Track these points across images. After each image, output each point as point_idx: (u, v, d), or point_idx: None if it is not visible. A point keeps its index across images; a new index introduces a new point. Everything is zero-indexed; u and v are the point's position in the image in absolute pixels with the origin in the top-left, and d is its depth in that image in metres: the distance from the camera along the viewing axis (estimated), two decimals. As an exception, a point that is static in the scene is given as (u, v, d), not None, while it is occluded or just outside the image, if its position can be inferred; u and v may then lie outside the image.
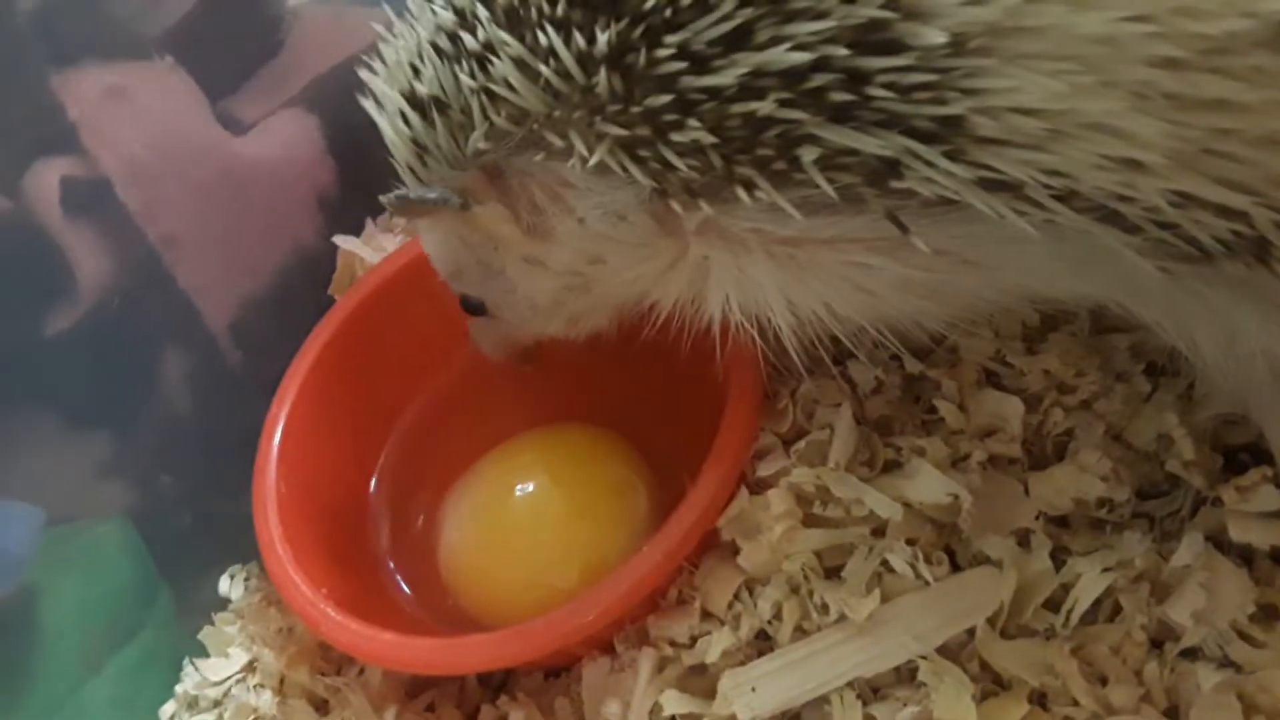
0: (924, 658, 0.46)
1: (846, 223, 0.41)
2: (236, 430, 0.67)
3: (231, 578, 0.65)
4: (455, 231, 0.50)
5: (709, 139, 0.39)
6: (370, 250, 0.75)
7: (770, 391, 0.55)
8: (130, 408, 0.69)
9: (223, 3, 0.78)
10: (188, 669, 0.59)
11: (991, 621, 0.47)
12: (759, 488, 0.51)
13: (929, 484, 0.49)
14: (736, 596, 0.50)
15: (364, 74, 0.49)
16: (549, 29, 0.40)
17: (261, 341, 0.74)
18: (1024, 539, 0.49)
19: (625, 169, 0.42)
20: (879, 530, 0.50)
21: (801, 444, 0.51)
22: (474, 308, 0.55)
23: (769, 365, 0.54)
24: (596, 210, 0.45)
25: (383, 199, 0.47)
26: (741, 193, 0.40)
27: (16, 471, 0.64)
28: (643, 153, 0.41)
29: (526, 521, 0.60)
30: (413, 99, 0.45)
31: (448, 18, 0.44)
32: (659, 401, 0.63)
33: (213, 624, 0.62)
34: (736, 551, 0.51)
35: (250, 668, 0.58)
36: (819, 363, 0.54)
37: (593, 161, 0.41)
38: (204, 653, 0.61)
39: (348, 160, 0.81)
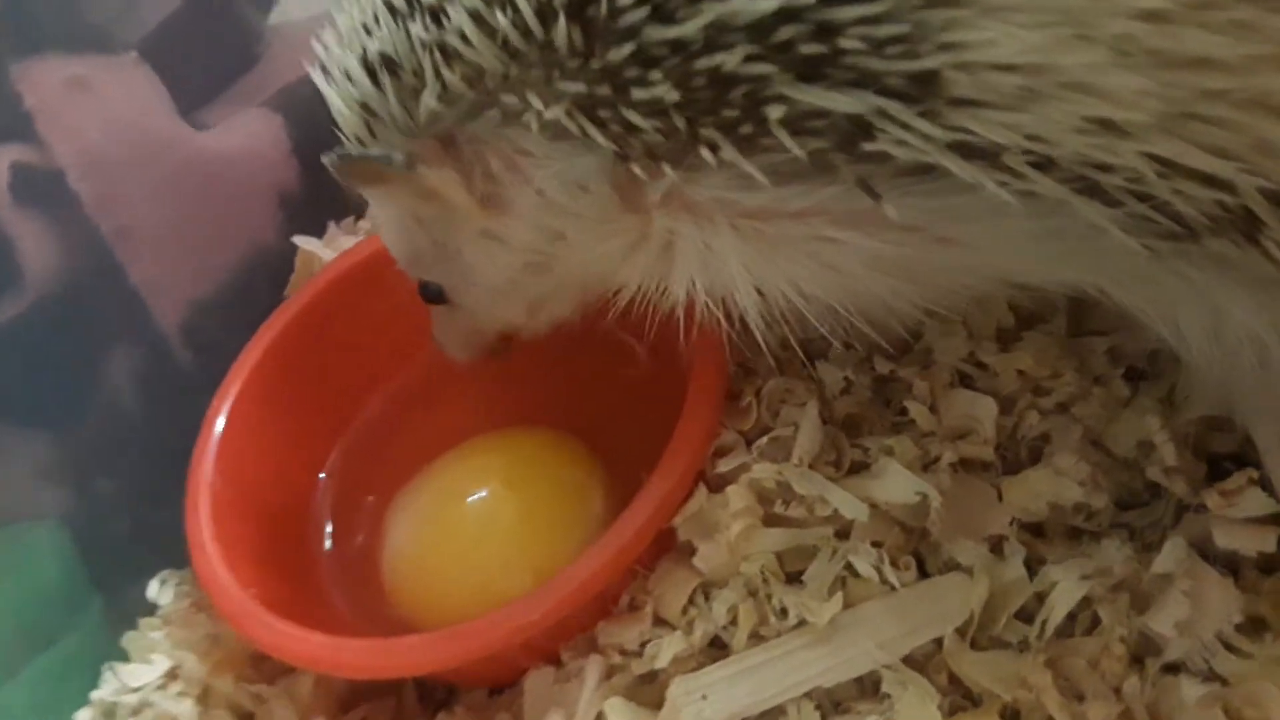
0: (888, 668, 0.43)
1: (816, 193, 0.39)
2: (182, 434, 0.64)
3: (161, 583, 0.61)
4: (408, 208, 0.48)
5: (672, 96, 0.36)
6: (330, 252, 0.73)
7: (735, 390, 0.52)
8: (72, 407, 0.66)
9: (200, 13, 0.77)
10: (107, 675, 0.56)
11: (961, 631, 0.44)
12: (718, 485, 0.48)
13: (897, 483, 0.47)
14: (691, 600, 0.47)
15: (314, 44, 0.47)
16: None
17: (213, 342, 0.71)
18: (996, 545, 0.47)
19: (585, 132, 0.39)
20: (843, 532, 0.47)
21: (764, 440, 0.48)
22: (433, 295, 0.53)
23: (735, 361, 0.52)
24: (555, 180, 0.42)
25: (324, 158, 0.44)
26: (707, 155, 0.38)
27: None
28: (603, 113, 0.38)
29: (475, 526, 0.57)
30: (363, 61, 0.43)
31: None
32: (620, 403, 0.60)
33: (138, 630, 0.58)
34: (693, 553, 0.47)
35: (173, 675, 0.54)
36: (787, 360, 0.52)
37: (549, 119, 0.39)
38: (128, 659, 0.57)
39: (312, 162, 0.79)
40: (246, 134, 0.76)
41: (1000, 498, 0.48)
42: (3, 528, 0.63)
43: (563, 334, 0.57)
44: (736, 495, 0.47)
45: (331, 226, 0.77)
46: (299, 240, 0.74)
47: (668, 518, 0.48)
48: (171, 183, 0.70)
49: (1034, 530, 0.47)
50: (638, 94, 0.37)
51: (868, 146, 0.36)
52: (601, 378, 0.61)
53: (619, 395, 0.60)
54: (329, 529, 0.61)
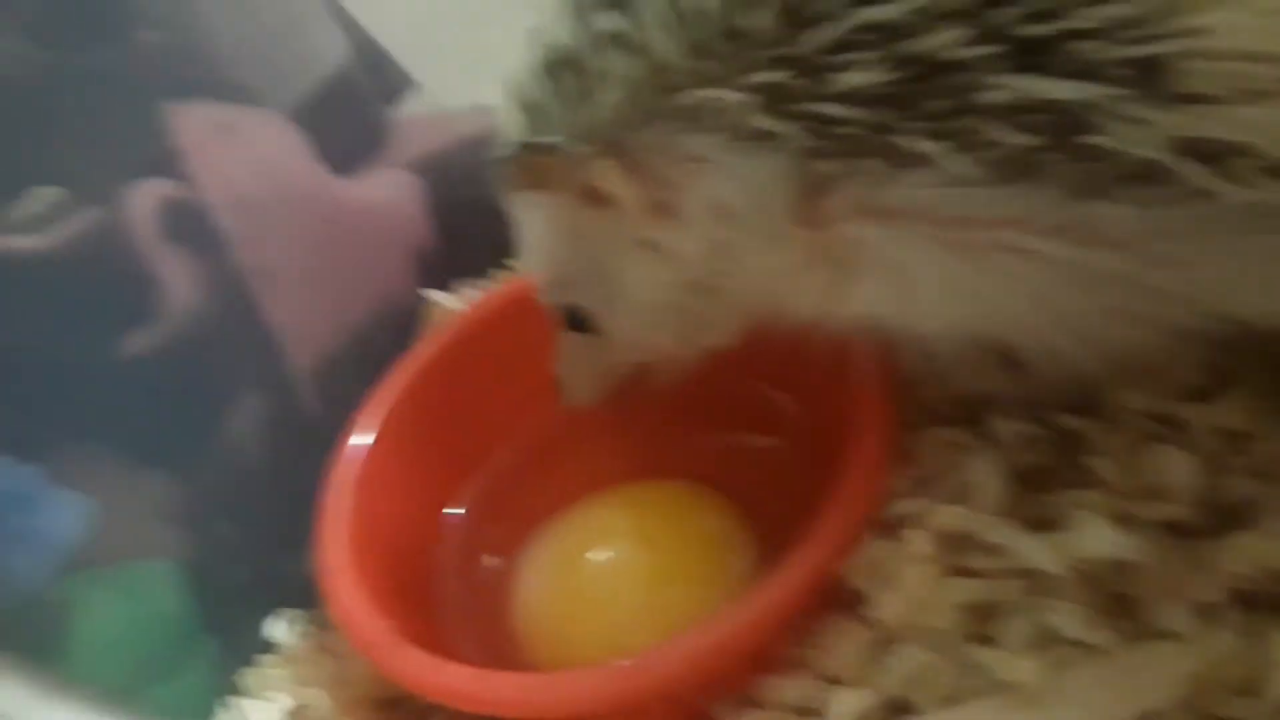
0: (1103, 738, 0.39)
1: (1024, 198, 0.36)
2: (305, 482, 0.62)
3: (283, 621, 0.58)
4: (569, 217, 0.46)
5: (876, 85, 0.35)
6: (460, 307, 0.72)
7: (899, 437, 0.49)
8: (197, 447, 0.65)
9: (344, 88, 0.79)
10: (225, 710, 0.53)
11: (1185, 703, 0.39)
12: (893, 531, 0.45)
13: (1095, 537, 0.43)
14: (867, 657, 0.43)
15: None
16: None
17: (339, 392, 0.70)
18: (1207, 612, 0.42)
19: (773, 131, 0.38)
20: (1039, 589, 0.43)
21: (942, 482, 0.45)
22: (577, 321, 0.50)
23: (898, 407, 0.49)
24: (733, 186, 0.40)
25: (498, 152, 0.43)
26: (910, 151, 0.35)
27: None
28: (796, 107, 0.37)
29: (611, 576, 0.54)
30: (538, 62, 0.42)
31: None
32: (763, 457, 0.57)
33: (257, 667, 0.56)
34: (866, 603, 0.44)
35: (299, 714, 0.51)
36: (955, 410, 0.49)
37: (733, 117, 0.38)
38: (247, 696, 0.54)
39: (447, 224, 0.80)
40: (386, 189, 0.77)
41: (1206, 563, 0.43)
42: (122, 564, 0.61)
43: (700, 385, 0.55)
44: (917, 540, 0.43)
45: (461, 285, 0.77)
46: (430, 293, 0.74)
47: (834, 567, 0.44)
48: (312, 227, 0.70)
49: (1245, 599, 0.43)
50: (837, 83, 0.35)
51: (1086, 141, 0.34)
52: (743, 432, 0.59)
53: (762, 450, 0.58)
54: (457, 571, 0.58)
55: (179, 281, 0.65)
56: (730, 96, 0.37)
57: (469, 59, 0.80)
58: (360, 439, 0.57)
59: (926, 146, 0.35)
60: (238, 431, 0.66)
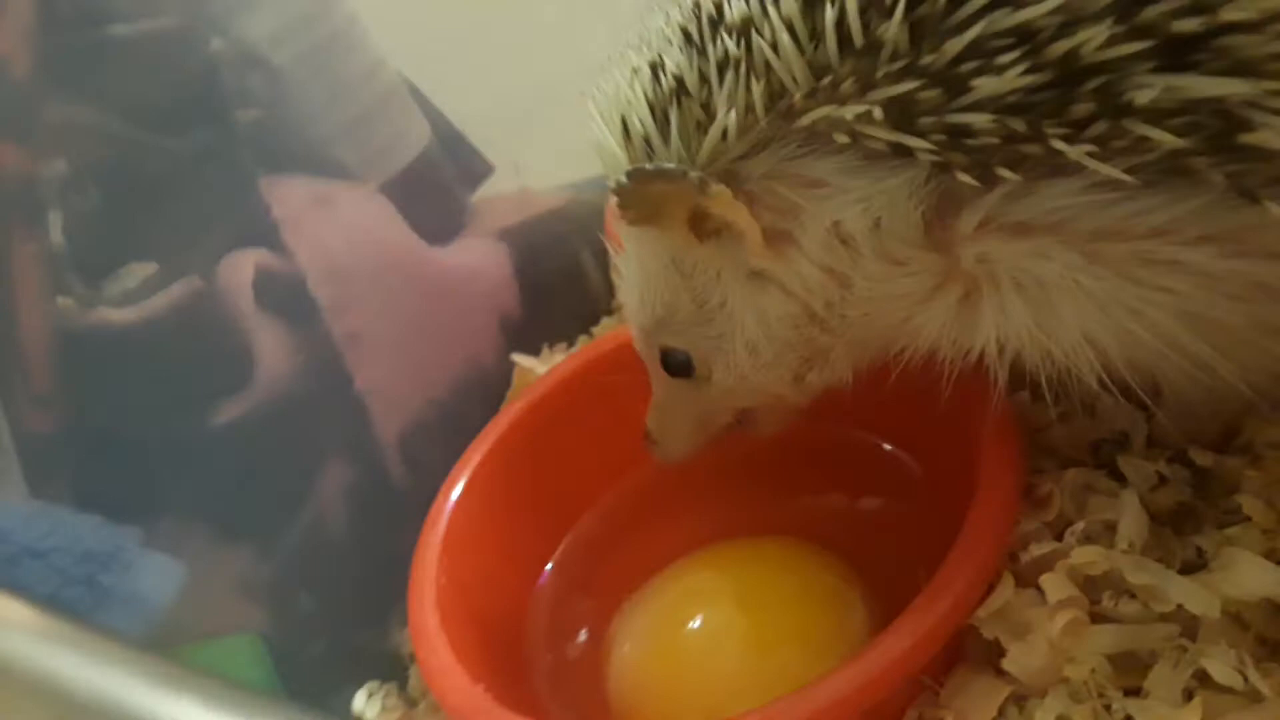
0: (1274, 796, 0.34)
1: (1176, 206, 0.34)
2: (388, 553, 0.61)
3: (369, 694, 0.56)
4: (674, 253, 0.44)
5: (1015, 91, 0.33)
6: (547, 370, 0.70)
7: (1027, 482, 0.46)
8: (283, 516, 0.64)
9: (428, 169, 0.80)
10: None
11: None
12: (1027, 578, 0.42)
13: (1251, 575, 0.39)
14: (1001, 713, 0.39)
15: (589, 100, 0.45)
16: None
17: (426, 459, 0.70)
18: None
19: (900, 146, 0.36)
20: (1189, 633, 0.39)
21: (1080, 525, 0.42)
22: (679, 365, 0.48)
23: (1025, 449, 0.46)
24: (855, 209, 0.39)
25: (614, 183, 0.41)
26: (1051, 153, 0.33)
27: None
28: (925, 121, 0.35)
29: (716, 642, 0.51)
30: (649, 95, 0.41)
31: None
32: (881, 518, 0.54)
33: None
34: (1001, 655, 0.40)
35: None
36: (1090, 449, 0.46)
37: (856, 135, 0.36)
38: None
39: (532, 289, 0.79)
40: (474, 255, 0.77)
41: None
42: (203, 644, 0.60)
43: (803, 439, 0.53)
44: (1055, 585, 0.40)
45: (545, 350, 0.76)
46: (517, 358, 0.73)
47: (962, 618, 0.41)
48: (403, 294, 0.71)
49: None
50: (972, 92, 0.34)
51: (1242, 141, 0.31)
52: (853, 488, 0.56)
53: (875, 507, 0.54)
54: (547, 637, 0.55)
55: (272, 350, 0.65)
56: (855, 111, 0.36)
57: (550, 144, 0.82)
58: (447, 501, 0.55)
59: (1070, 153, 0.33)
60: (324, 501, 0.66)
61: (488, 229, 0.82)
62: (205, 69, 0.67)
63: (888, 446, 0.55)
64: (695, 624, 0.52)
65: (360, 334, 0.68)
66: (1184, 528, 0.44)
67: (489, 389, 0.74)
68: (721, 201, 0.39)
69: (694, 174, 0.38)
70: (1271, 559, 0.41)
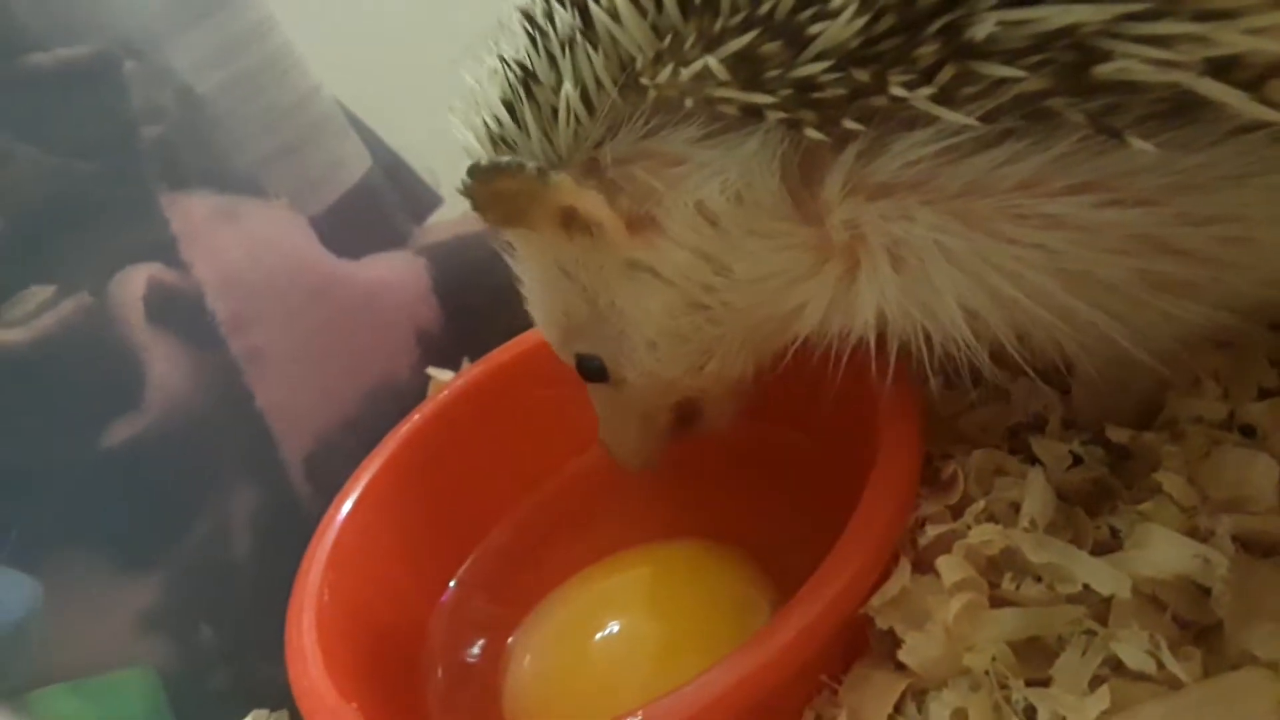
0: (1188, 788, 0.31)
1: (1037, 154, 0.32)
2: (294, 579, 0.57)
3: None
4: (552, 252, 0.42)
5: (854, 37, 0.31)
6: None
7: (933, 466, 0.43)
8: (181, 546, 0.61)
9: (367, 198, 0.78)
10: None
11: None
12: (926, 563, 0.38)
13: (1166, 551, 0.36)
14: (898, 709, 0.36)
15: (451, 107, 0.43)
16: None
17: (336, 478, 0.66)
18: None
19: (750, 106, 0.33)
20: (1099, 616, 0.36)
21: (980, 504, 0.39)
22: (593, 371, 0.46)
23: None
24: (714, 184, 0.36)
25: (460, 185, 0.39)
26: (900, 99, 0.31)
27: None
28: (770, 74, 0.33)
29: (615, 651, 0.48)
30: (503, 94, 0.39)
31: None
32: (787, 506, 0.51)
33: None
34: (897, 646, 0.37)
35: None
36: (998, 430, 0.43)
37: (707, 98, 0.34)
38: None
39: (452, 304, 0.76)
40: (387, 269, 0.74)
41: (1299, 581, 0.36)
42: (96, 678, 0.56)
43: (711, 441, 0.50)
44: (951, 567, 0.37)
45: (466, 363, 0.73)
46: (432, 371, 0.70)
47: (854, 606, 0.38)
48: (308, 305, 0.68)
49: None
50: (814, 42, 0.32)
51: (1101, 71, 0.29)
52: (760, 484, 0.53)
53: (781, 500, 0.51)
54: (446, 655, 0.52)
55: (165, 368, 0.62)
56: (698, 69, 0.33)
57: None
58: (334, 516, 0.52)
59: (914, 100, 0.31)
60: (225, 526, 0.62)
61: (415, 245, 0.80)
62: (116, 91, 0.65)
63: (801, 441, 0.52)
64: (595, 634, 0.49)
65: (262, 350, 0.65)
66: (1099, 508, 0.40)
67: (403, 405, 0.70)
68: (568, 192, 0.37)
69: (531, 165, 0.36)
70: (1192, 537, 0.38)
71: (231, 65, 0.72)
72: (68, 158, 0.63)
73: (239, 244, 0.67)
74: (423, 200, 0.86)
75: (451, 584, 0.55)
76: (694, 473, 0.54)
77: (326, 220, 0.73)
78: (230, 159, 0.71)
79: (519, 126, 0.38)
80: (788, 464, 0.52)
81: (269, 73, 0.76)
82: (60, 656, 0.56)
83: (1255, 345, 0.42)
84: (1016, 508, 0.39)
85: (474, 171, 0.37)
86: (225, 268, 0.65)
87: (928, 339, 0.37)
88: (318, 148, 0.78)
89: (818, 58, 0.32)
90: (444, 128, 0.43)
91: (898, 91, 0.31)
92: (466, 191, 0.38)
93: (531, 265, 0.44)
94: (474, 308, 0.77)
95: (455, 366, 0.73)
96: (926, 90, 0.31)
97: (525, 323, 0.70)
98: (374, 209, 0.80)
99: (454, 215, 0.83)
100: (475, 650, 0.52)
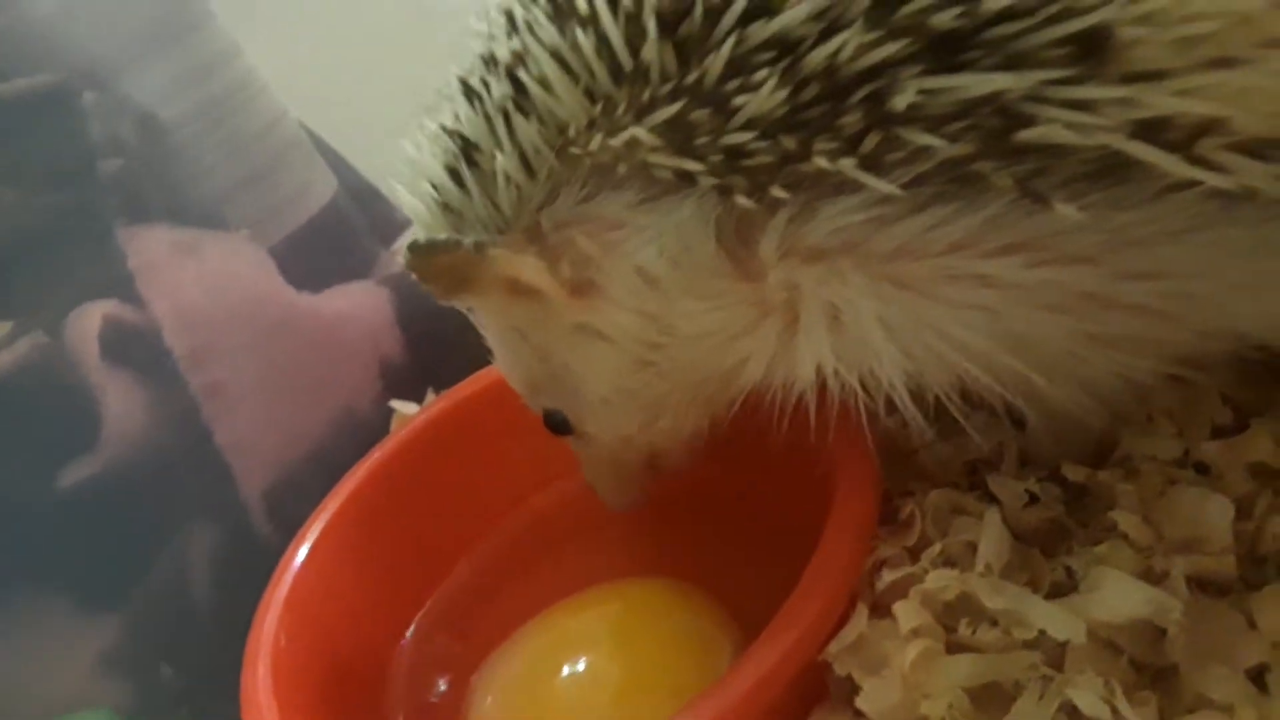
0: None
1: (966, 217, 0.32)
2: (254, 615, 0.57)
3: (213, 768, 0.52)
4: (503, 315, 0.43)
5: (779, 106, 0.31)
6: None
7: (891, 507, 0.43)
8: (139, 587, 0.60)
9: (336, 221, 0.78)
10: None
11: (1234, 787, 0.32)
12: (883, 608, 0.38)
13: (1120, 595, 0.36)
14: (856, 756, 0.36)
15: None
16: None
17: (298, 514, 0.65)
18: (1255, 677, 0.35)
19: (682, 171, 0.34)
20: (1055, 661, 0.36)
21: (937, 548, 0.39)
22: (557, 424, 0.47)
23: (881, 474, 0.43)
24: (652, 248, 0.37)
25: (398, 254, 0.40)
26: (824, 171, 0.31)
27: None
28: (701, 141, 0.33)
29: (579, 692, 0.47)
30: (445, 161, 0.39)
31: (483, 41, 0.39)
32: (748, 549, 0.51)
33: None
34: (855, 693, 0.37)
35: None
36: (954, 470, 0.43)
37: (640, 163, 0.34)
38: None
39: (416, 335, 0.76)
40: (349, 301, 0.74)
41: (1252, 624, 0.36)
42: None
43: (675, 483, 0.50)
44: (907, 613, 0.37)
45: (430, 394, 0.72)
46: (396, 404, 0.69)
47: (811, 653, 0.38)
48: (268, 339, 0.67)
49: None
50: (739, 110, 0.32)
51: (1024, 136, 0.29)
52: (724, 524, 0.53)
53: (745, 540, 0.51)
54: (409, 697, 0.51)
55: (121, 406, 0.61)
56: (628, 137, 0.34)
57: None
58: (293, 556, 0.51)
59: (844, 168, 0.31)
60: (184, 565, 0.61)
61: (378, 274, 0.79)
62: (75, 122, 0.64)
63: (763, 482, 0.52)
64: (558, 673, 0.48)
65: (221, 386, 0.64)
66: (1055, 549, 0.41)
67: (367, 438, 0.69)
68: (507, 263, 0.37)
69: (468, 241, 0.36)
70: (1147, 578, 0.38)
71: (195, 93, 0.72)
72: (24, 191, 0.62)
73: (198, 279, 0.66)
74: (391, 223, 0.85)
75: (413, 623, 0.55)
76: (657, 513, 0.54)
77: (290, 246, 0.73)
78: (192, 189, 0.71)
79: (462, 191, 0.38)
80: (751, 505, 0.52)
81: (233, 100, 0.75)
82: (16, 699, 0.55)
83: (1208, 383, 0.42)
84: (974, 549, 0.39)
85: (413, 249, 0.37)
86: (183, 303, 0.64)
87: (869, 392, 0.38)
88: (283, 174, 0.78)
89: (745, 126, 0.32)
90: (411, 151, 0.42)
91: (822, 161, 0.31)
92: (408, 266, 0.38)
93: (489, 325, 0.45)
94: (438, 337, 0.77)
95: (420, 398, 0.72)
96: (851, 160, 0.31)
97: (489, 354, 0.70)
98: (340, 234, 0.80)
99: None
100: (438, 690, 0.51)
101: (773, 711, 0.37)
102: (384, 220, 0.84)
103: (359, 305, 0.74)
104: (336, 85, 0.84)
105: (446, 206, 0.39)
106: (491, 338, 0.45)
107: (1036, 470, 0.44)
